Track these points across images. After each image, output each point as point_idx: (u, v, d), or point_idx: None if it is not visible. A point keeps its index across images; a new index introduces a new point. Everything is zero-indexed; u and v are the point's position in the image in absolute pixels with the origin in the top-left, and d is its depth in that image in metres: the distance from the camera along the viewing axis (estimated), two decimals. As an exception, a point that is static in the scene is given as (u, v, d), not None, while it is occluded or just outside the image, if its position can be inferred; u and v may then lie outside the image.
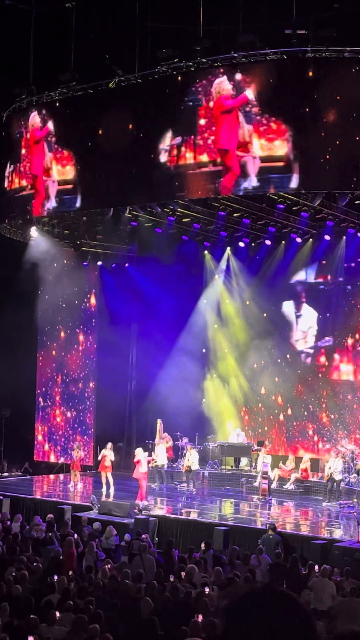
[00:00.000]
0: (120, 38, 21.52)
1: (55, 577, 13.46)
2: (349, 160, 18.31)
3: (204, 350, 29.63)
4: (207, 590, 12.95)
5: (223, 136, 19.33)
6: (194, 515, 21.61)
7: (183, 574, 14.67)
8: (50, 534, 18.12)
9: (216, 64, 19.56)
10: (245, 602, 2.00)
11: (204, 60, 19.56)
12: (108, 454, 24.75)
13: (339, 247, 26.60)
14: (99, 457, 25.05)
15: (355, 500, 22.84)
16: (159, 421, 27.01)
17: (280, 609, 1.98)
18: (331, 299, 27.47)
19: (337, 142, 18.23)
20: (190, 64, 19.71)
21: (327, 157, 18.28)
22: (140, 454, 23.27)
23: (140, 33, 20.56)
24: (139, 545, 16.76)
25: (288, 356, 28.19)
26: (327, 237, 26.45)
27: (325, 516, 22.38)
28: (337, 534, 20.02)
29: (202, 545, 17.54)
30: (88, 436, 29.71)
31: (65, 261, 28.46)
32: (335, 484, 23.18)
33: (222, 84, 19.33)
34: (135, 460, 23.30)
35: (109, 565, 14.94)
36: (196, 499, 24.17)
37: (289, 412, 28.27)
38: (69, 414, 30.37)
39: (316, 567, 15.62)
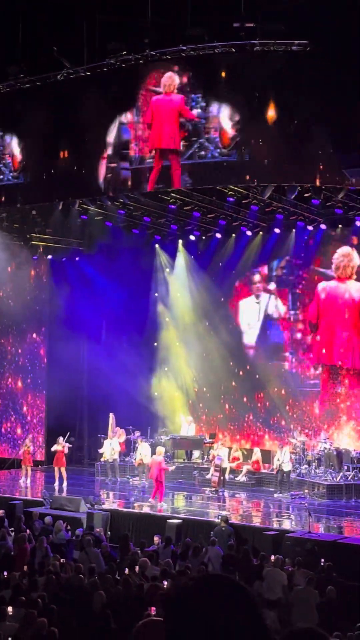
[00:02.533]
0: (68, 30, 21.34)
1: (6, 573, 13.39)
2: (289, 153, 18.48)
3: (155, 344, 29.64)
4: (165, 583, 12.98)
5: (168, 133, 19.52)
6: (146, 509, 21.63)
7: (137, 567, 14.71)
8: (2, 529, 17.99)
9: (165, 57, 19.54)
10: (188, 590, 1.98)
11: (152, 53, 19.52)
12: (61, 447, 24.67)
13: (289, 240, 26.80)
14: (53, 449, 24.95)
15: (306, 490, 23.05)
16: (111, 415, 26.94)
17: (224, 597, 1.95)
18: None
19: (279, 136, 18.40)
20: (139, 56, 19.66)
21: (270, 150, 18.46)
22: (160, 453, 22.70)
23: (88, 25, 20.39)
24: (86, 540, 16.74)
25: (237, 347, 28.34)
26: (277, 230, 26.61)
27: (277, 507, 22.55)
28: (289, 524, 20.20)
29: (156, 538, 17.57)
30: (39, 430, 29.52)
31: (14, 255, 28.24)
32: (284, 475, 23.38)
33: (173, 78, 19.38)
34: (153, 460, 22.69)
35: (60, 561, 14.91)
36: (149, 492, 24.16)
37: (241, 401, 28.41)
38: (25, 409, 30.15)
39: (272, 557, 15.76)
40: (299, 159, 18.47)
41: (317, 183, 19.60)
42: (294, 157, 18.51)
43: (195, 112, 19.18)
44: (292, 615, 12.62)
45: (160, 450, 22.72)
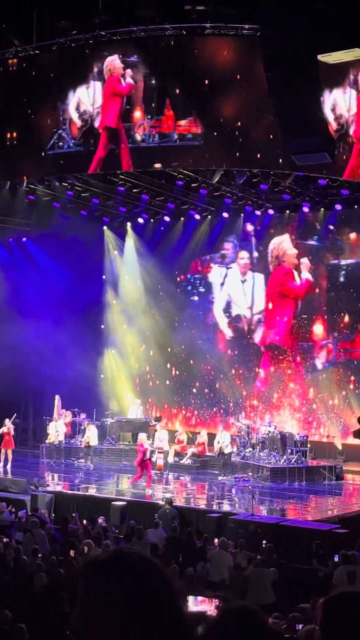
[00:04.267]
0: (18, 8, 21.01)
1: None
2: (243, 137, 18.49)
3: (102, 326, 29.59)
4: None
5: (110, 115, 19.50)
6: (91, 491, 21.64)
7: (85, 548, 14.75)
8: None
9: (115, 38, 19.38)
10: (99, 563, 1.99)
11: (102, 33, 19.34)
12: (7, 429, 24.56)
13: (237, 224, 26.95)
14: (0, 431, 24.83)
15: (250, 473, 23.26)
16: (57, 397, 26.87)
17: (129, 572, 1.96)
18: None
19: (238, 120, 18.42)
20: (89, 36, 19.47)
21: (226, 132, 18.47)
22: (144, 441, 22.43)
23: (38, 3, 20.12)
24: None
25: (183, 327, 28.54)
26: (225, 215, 26.71)
27: (221, 490, 22.72)
28: (232, 507, 20.36)
29: (100, 520, 17.59)
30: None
31: None
32: (226, 457, 23.57)
33: (114, 62, 19.28)
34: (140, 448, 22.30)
35: (4, 541, 14.86)
36: (94, 474, 24.19)
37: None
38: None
39: (216, 540, 15.89)
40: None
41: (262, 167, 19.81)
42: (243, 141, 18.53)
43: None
44: (248, 594, 12.77)
45: (142, 437, 22.56)
